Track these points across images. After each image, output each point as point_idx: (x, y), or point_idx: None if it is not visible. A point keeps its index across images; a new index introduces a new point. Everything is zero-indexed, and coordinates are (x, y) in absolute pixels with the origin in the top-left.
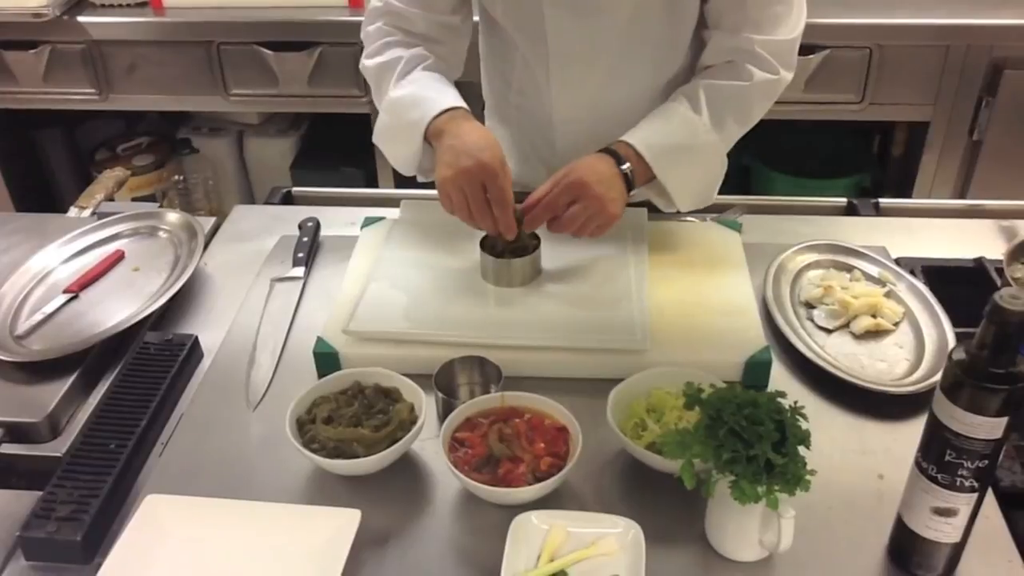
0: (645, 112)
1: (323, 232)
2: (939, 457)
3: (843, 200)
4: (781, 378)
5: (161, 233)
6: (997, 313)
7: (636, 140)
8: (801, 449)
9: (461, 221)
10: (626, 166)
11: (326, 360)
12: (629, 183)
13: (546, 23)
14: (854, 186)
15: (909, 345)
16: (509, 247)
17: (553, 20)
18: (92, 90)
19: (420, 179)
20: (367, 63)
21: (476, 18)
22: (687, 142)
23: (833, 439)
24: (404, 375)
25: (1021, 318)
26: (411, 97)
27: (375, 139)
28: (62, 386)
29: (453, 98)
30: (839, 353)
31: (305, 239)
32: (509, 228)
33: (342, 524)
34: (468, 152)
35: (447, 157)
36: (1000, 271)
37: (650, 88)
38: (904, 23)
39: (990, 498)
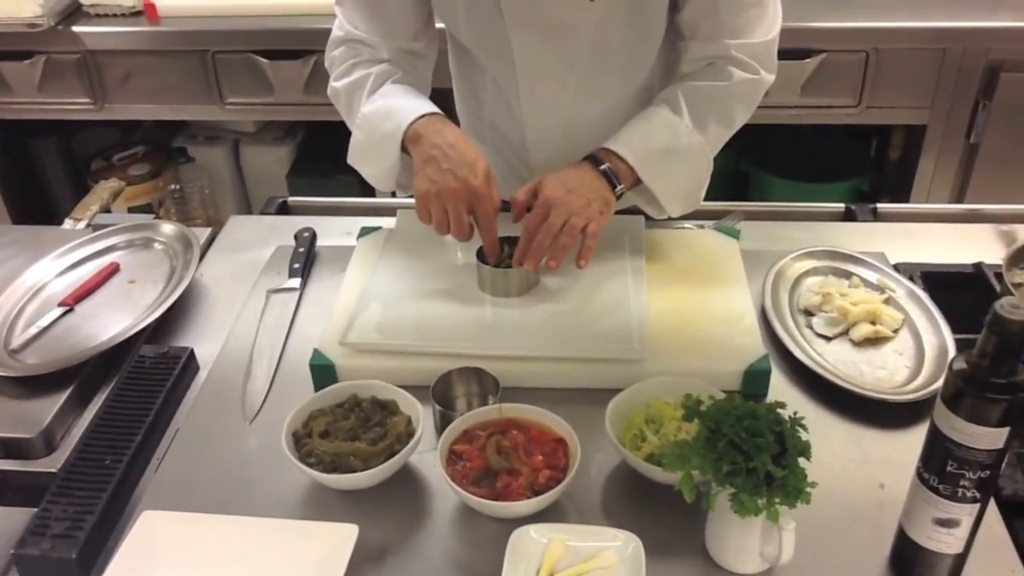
0: (617, 126)
1: (319, 242)
2: (940, 468)
3: (841, 206)
4: (780, 386)
5: (156, 245)
6: (997, 323)
7: (618, 145)
8: (801, 460)
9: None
10: (605, 166)
11: (323, 372)
12: (612, 183)
13: (512, 44)
14: (852, 190)
15: (909, 352)
16: (506, 257)
17: (519, 41)
18: (87, 100)
19: (400, 195)
20: (336, 85)
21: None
22: (670, 143)
23: (833, 448)
24: (401, 387)
25: (1022, 327)
26: (384, 109)
27: (350, 160)
28: (57, 401)
29: (427, 105)
30: (838, 361)
31: (301, 249)
32: (493, 251)
33: (339, 539)
34: (454, 170)
35: (430, 170)
36: (999, 276)
37: (621, 102)
38: (900, 26)
39: (992, 508)
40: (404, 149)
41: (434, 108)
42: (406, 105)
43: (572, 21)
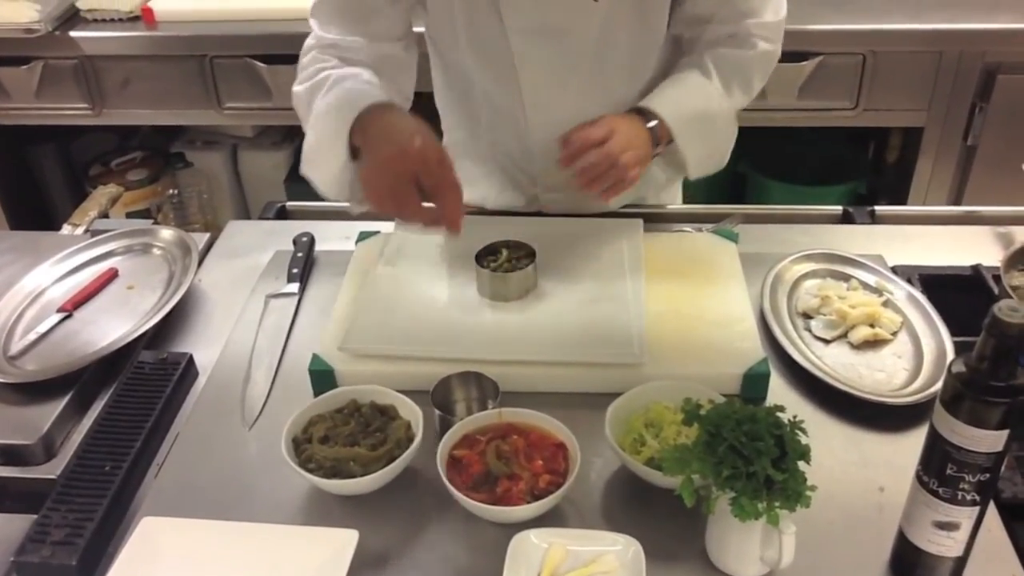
0: None
1: (318, 247)
2: (940, 471)
3: (839, 208)
4: (779, 390)
5: (155, 250)
6: (996, 326)
7: (657, 105)
8: (801, 464)
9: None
10: (653, 124)
11: (322, 377)
12: (655, 141)
13: (513, 52)
14: (849, 192)
15: (907, 355)
16: (504, 261)
17: (520, 48)
18: (85, 105)
19: (353, 210)
20: (298, 88)
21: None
22: (704, 108)
23: (833, 451)
24: (400, 392)
25: (1020, 331)
26: (333, 105)
27: (303, 168)
28: (56, 407)
29: (382, 95)
30: (837, 364)
31: (300, 254)
32: (454, 220)
33: (340, 545)
34: (391, 139)
35: (369, 155)
36: (997, 278)
37: (626, 98)
38: (897, 28)
39: (992, 510)
40: (356, 155)
41: (386, 99)
42: (356, 97)
43: (576, 23)
